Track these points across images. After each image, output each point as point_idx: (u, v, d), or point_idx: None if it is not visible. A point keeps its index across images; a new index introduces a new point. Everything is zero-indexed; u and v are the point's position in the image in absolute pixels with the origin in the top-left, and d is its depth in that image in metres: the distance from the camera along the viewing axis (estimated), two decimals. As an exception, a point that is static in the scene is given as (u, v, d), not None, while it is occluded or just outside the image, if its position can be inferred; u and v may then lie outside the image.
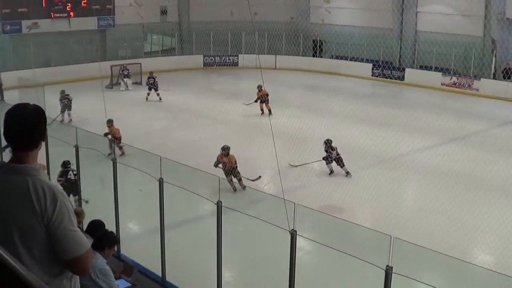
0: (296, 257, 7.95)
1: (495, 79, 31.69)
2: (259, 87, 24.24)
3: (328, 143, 17.42)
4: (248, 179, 16.07)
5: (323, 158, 17.39)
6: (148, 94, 28.05)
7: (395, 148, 18.48)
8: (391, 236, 6.73)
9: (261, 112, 24.60)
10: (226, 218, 8.86)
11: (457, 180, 16.10)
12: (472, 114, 26.13)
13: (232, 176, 16.06)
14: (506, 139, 21.67)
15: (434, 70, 33.15)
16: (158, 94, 27.94)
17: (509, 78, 30.93)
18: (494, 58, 31.99)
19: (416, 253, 9.24)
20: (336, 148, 17.40)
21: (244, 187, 16.08)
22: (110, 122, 19.35)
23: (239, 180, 16.10)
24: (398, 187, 15.88)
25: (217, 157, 16.30)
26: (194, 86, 31.55)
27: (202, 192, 10.09)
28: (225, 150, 16.29)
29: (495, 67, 31.93)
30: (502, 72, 31.40)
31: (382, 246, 6.79)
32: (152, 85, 28.01)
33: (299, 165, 17.49)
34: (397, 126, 22.46)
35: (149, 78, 28.39)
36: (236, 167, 16.08)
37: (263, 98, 24.47)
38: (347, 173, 17.13)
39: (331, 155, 17.28)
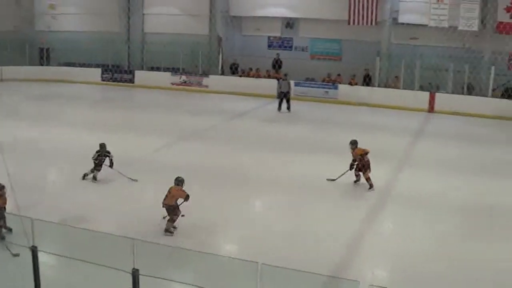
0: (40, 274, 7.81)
1: (223, 74, 33.47)
2: None
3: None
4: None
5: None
6: None
7: (134, 151, 18.51)
8: (133, 240, 6.67)
9: None
10: None
11: (208, 174, 16.55)
12: (204, 110, 27.32)
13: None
14: (240, 130, 23.03)
15: (164, 71, 34.23)
16: None
17: (236, 72, 32.96)
18: (221, 54, 33.74)
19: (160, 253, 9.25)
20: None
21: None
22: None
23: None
24: (141, 188, 15.76)
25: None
26: None
27: None
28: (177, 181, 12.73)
29: (222, 63, 33.68)
30: (230, 67, 33.24)
31: (127, 250, 6.86)
32: None
33: None
34: (133, 128, 22.51)
35: None
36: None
37: None
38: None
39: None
